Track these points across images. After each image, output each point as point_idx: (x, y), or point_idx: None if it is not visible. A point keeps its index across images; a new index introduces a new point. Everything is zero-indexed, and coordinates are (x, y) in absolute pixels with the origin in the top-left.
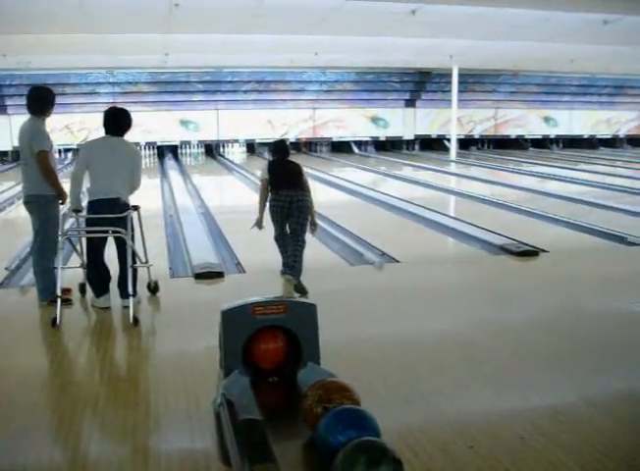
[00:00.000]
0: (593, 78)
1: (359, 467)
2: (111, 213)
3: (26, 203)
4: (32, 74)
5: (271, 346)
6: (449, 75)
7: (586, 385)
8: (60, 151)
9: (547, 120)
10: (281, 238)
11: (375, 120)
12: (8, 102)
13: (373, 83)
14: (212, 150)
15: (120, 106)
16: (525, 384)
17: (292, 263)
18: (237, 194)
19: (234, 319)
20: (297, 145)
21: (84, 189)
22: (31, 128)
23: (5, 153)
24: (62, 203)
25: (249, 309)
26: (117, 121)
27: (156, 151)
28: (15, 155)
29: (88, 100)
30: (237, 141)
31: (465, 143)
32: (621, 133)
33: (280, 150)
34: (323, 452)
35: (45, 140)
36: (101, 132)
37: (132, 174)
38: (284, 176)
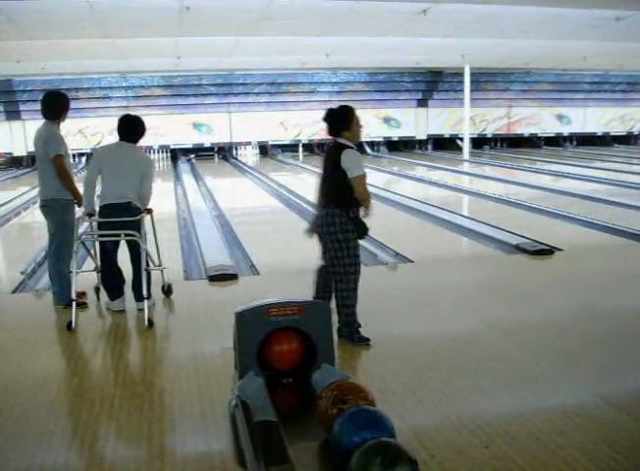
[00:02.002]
0: (606, 74)
1: (374, 468)
2: (122, 217)
3: (42, 207)
4: (46, 79)
5: (285, 348)
6: (460, 74)
7: (602, 383)
8: (74, 155)
9: (560, 117)
10: (317, 271)
11: (387, 120)
12: (22, 107)
13: (385, 84)
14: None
15: (134, 113)
16: (541, 383)
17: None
18: (250, 196)
19: (248, 320)
20: (310, 147)
21: (97, 194)
22: (46, 132)
23: (19, 158)
24: (78, 206)
25: (264, 311)
26: (131, 128)
27: (169, 154)
28: (30, 160)
29: (102, 104)
30: (249, 143)
31: (478, 142)
32: (636, 130)
33: (330, 125)
34: (338, 453)
35: (60, 145)
36: (114, 137)
37: (142, 181)
38: (320, 183)
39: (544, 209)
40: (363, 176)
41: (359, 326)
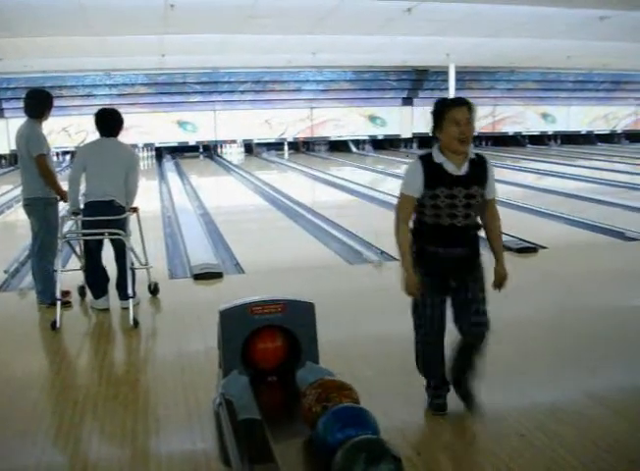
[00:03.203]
0: (590, 73)
1: (359, 465)
2: (105, 215)
3: (25, 206)
4: (30, 77)
5: (269, 346)
6: (445, 72)
7: (587, 381)
8: (57, 154)
9: (545, 116)
10: (432, 340)
11: (372, 118)
12: (5, 105)
13: (370, 82)
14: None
15: (111, 107)
16: (526, 380)
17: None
18: (235, 195)
19: (232, 319)
20: (295, 145)
21: (82, 192)
22: (28, 131)
23: (1, 156)
24: (64, 202)
25: (247, 309)
26: (107, 121)
27: (154, 153)
28: (12, 158)
29: (86, 102)
30: (234, 142)
31: None
32: (619, 129)
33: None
34: (322, 451)
35: (43, 144)
36: (98, 135)
37: (127, 176)
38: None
39: (528, 207)
40: (400, 196)
41: (432, 386)
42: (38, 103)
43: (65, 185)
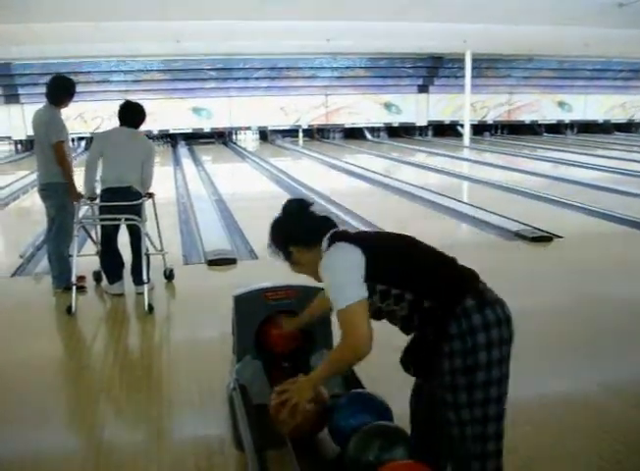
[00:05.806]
0: (608, 62)
1: (372, 451)
2: (123, 201)
3: (41, 191)
4: (45, 63)
5: (284, 331)
6: (461, 60)
7: (602, 371)
8: (73, 140)
9: (561, 105)
10: None
11: (388, 106)
12: (21, 91)
13: (385, 69)
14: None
15: (133, 97)
16: (540, 370)
17: None
18: (249, 182)
19: (246, 304)
20: (310, 132)
21: (98, 178)
22: (48, 117)
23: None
24: (70, 195)
25: (261, 294)
26: (132, 114)
27: (169, 139)
28: (29, 144)
29: (101, 88)
30: (249, 129)
31: (479, 129)
32: (637, 118)
33: None
34: (336, 436)
35: (61, 131)
36: (114, 121)
37: (143, 166)
38: None
39: (544, 196)
40: None
41: None
42: (62, 90)
43: (78, 174)
